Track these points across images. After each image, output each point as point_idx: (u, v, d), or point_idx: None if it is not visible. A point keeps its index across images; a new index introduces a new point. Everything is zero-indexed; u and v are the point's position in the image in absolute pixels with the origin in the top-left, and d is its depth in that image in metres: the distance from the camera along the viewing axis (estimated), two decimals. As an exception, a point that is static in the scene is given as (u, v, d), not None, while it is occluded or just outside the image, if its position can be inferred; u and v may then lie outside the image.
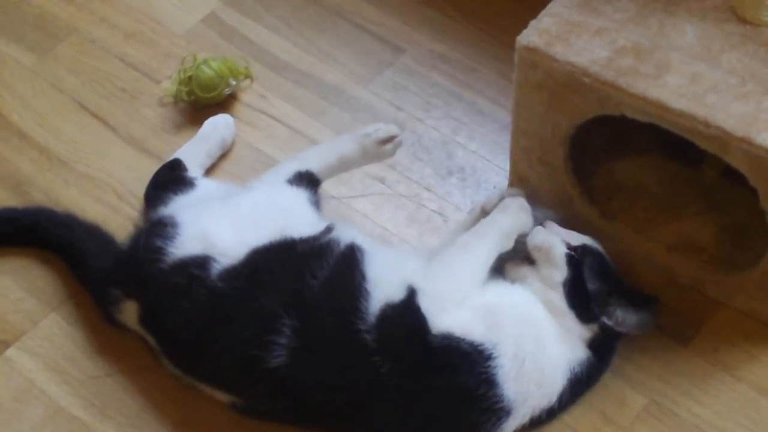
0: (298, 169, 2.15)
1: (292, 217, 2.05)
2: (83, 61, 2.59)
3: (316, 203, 2.13)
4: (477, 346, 1.87)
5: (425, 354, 1.86)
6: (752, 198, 1.96)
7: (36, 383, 2.10)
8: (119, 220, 2.27)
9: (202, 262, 1.96)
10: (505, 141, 2.30)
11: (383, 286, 1.91)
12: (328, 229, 2.02)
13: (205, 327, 1.94)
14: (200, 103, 2.46)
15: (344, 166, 2.23)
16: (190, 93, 2.45)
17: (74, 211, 2.28)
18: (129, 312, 2.03)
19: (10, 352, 2.14)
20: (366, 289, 1.90)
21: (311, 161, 2.18)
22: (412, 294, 1.90)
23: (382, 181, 2.36)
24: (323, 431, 1.99)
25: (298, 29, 2.64)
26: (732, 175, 2.01)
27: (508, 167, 2.30)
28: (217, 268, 1.95)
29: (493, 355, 1.87)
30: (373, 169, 2.37)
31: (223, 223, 2.03)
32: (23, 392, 2.09)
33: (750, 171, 1.90)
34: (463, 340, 1.87)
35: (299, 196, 2.11)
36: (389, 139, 2.20)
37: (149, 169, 2.34)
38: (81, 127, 2.48)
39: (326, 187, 2.31)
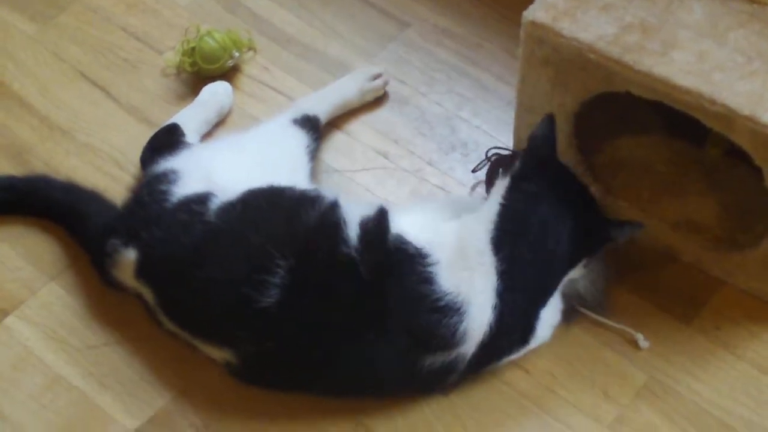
0: (307, 112, 2.27)
1: (288, 162, 2.15)
2: (85, 31, 2.58)
3: (312, 152, 2.23)
4: (419, 248, 1.90)
5: (385, 253, 1.90)
6: (756, 177, 1.95)
7: (34, 352, 2.09)
8: (120, 189, 2.25)
9: (203, 199, 1.99)
10: (509, 117, 2.29)
11: (361, 209, 1.96)
12: (315, 190, 2.04)
13: (199, 265, 1.93)
14: (203, 74, 2.45)
15: (344, 108, 2.40)
16: (193, 64, 2.44)
17: (75, 180, 2.27)
18: (126, 266, 2.02)
19: (9, 320, 2.13)
20: (348, 220, 1.93)
21: (320, 105, 2.33)
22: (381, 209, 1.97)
23: (384, 155, 2.35)
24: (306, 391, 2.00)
25: (302, 1, 2.63)
26: (736, 154, 2.00)
27: (511, 144, 2.28)
28: (215, 203, 1.97)
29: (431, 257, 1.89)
30: (376, 142, 2.37)
31: (225, 159, 2.11)
32: (22, 361, 2.08)
33: (755, 150, 1.89)
34: (410, 243, 1.90)
35: (300, 140, 2.21)
36: (377, 76, 2.42)
37: (151, 139, 2.32)
38: (82, 97, 2.46)
39: (328, 160, 2.32)
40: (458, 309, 1.88)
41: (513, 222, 1.94)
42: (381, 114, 2.42)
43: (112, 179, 2.31)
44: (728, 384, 2.03)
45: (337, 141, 2.38)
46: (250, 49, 2.52)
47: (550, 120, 2.00)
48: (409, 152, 2.36)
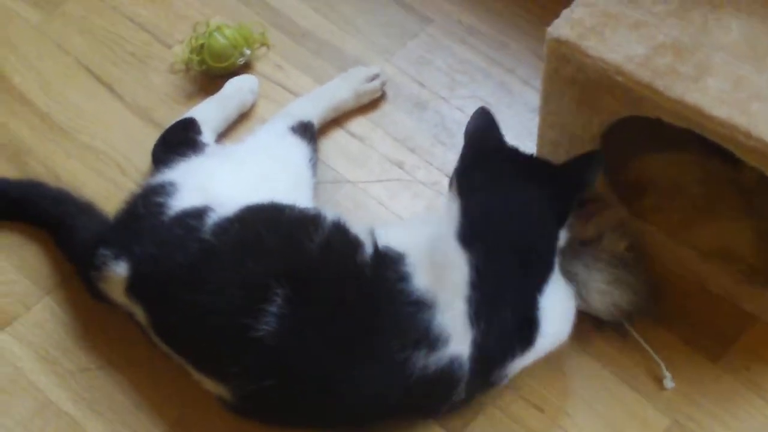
0: (302, 118, 2.17)
1: (291, 176, 2.06)
2: (91, 21, 2.46)
3: (314, 165, 2.13)
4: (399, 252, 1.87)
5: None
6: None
7: (26, 373, 2.01)
8: (122, 196, 2.09)
9: (200, 213, 1.90)
10: (533, 125, 2.16)
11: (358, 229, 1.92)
12: (316, 209, 1.95)
13: (192, 287, 1.83)
14: (212, 72, 2.33)
15: (339, 111, 2.29)
16: (201, 62, 2.32)
17: (74, 186, 2.19)
18: (116, 281, 1.91)
19: (1, 338, 2.03)
20: (360, 240, 1.89)
21: (314, 109, 2.23)
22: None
23: (400, 165, 2.23)
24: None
25: (319, -7, 2.48)
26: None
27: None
28: (213, 218, 1.88)
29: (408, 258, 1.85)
30: (392, 151, 2.26)
31: (224, 172, 2.02)
32: (12, 383, 2.00)
33: (794, 188, 1.75)
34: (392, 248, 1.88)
35: (302, 152, 2.12)
36: (374, 77, 2.31)
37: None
38: (86, 94, 2.35)
39: (339, 168, 2.22)
40: (429, 303, 1.81)
41: (475, 213, 1.88)
42: (398, 118, 2.30)
43: (115, 185, 2.21)
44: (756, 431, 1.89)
45: (349, 148, 2.27)
46: (262, 44, 2.40)
47: (484, 113, 1.99)
48: (426, 163, 2.24)
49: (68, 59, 2.41)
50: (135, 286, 1.90)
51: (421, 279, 1.84)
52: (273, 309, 1.78)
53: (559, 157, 2.03)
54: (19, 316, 2.06)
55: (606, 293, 1.96)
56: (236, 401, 1.85)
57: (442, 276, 1.83)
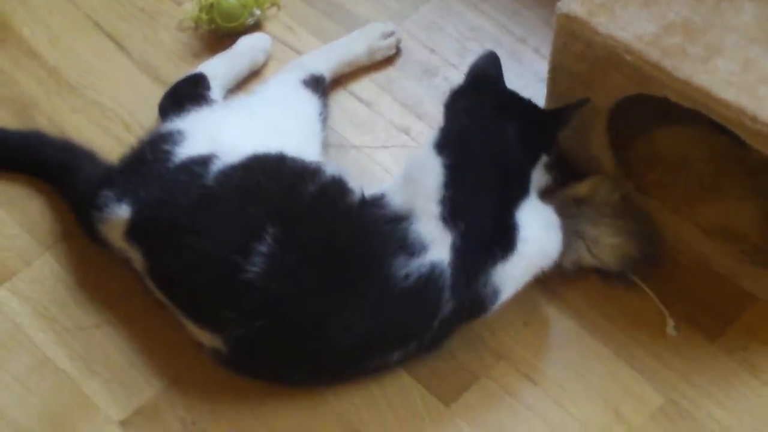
0: (313, 72, 2.17)
1: (301, 130, 2.06)
2: (102, -25, 2.44)
3: (325, 120, 2.13)
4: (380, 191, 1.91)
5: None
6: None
7: (24, 329, 2.01)
8: (125, 152, 2.09)
9: (205, 160, 1.90)
10: (542, 96, 2.13)
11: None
12: (318, 164, 1.96)
13: (191, 231, 1.84)
14: (221, 32, 2.32)
15: (352, 67, 2.28)
16: (210, 21, 2.31)
17: (79, 142, 2.17)
18: (116, 224, 1.92)
19: (0, 293, 2.03)
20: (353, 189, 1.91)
21: (327, 63, 2.23)
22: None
23: (406, 131, 2.22)
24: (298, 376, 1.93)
25: (332, -49, 2.46)
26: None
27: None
28: (217, 165, 1.89)
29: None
30: (399, 117, 2.25)
31: (234, 121, 2.02)
32: (10, 338, 2.00)
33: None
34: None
35: (313, 105, 2.12)
36: (390, 34, 2.29)
37: (162, 100, 2.20)
38: (94, 49, 2.35)
39: (345, 133, 2.21)
40: (405, 215, 1.85)
41: (454, 128, 1.94)
42: (406, 84, 2.29)
43: (118, 141, 2.20)
44: (751, 412, 1.90)
45: (355, 112, 2.26)
46: (272, 5, 2.38)
47: (492, 55, 2.03)
48: (433, 130, 2.20)
49: (78, 14, 2.40)
50: (135, 229, 1.90)
51: (397, 198, 1.88)
52: (263, 248, 1.79)
53: (567, 128, 2.02)
54: (18, 272, 2.06)
55: (617, 246, 1.98)
56: (229, 351, 1.85)
57: (417, 186, 1.87)
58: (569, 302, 2.01)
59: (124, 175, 1.96)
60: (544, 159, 1.96)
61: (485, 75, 2.02)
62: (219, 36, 2.32)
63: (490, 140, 1.91)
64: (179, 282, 1.88)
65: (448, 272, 1.82)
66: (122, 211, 1.90)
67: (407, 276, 1.80)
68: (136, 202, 1.90)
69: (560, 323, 1.99)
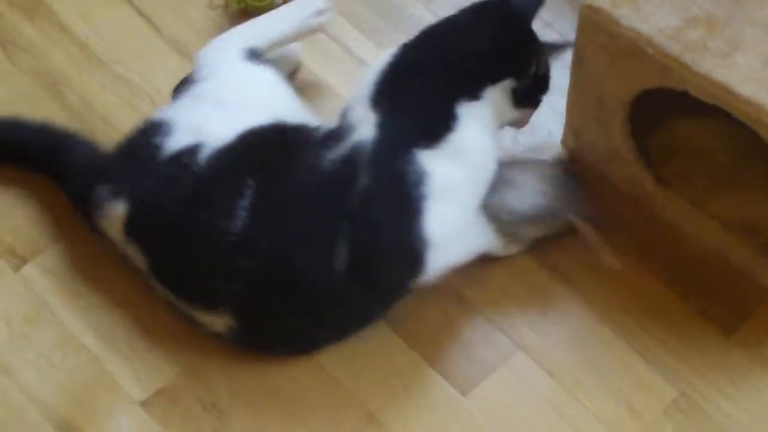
0: (248, 45, 2.10)
1: (275, 97, 2.05)
2: (134, -50, 2.46)
3: (285, 79, 2.12)
4: None
5: None
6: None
7: (49, 306, 2.03)
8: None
9: (193, 150, 1.91)
10: (566, 84, 2.13)
11: None
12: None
13: (186, 217, 1.87)
14: (250, 11, 2.33)
15: (284, 43, 2.20)
16: (240, 0, 2.31)
17: (107, 118, 2.22)
18: (115, 220, 1.94)
19: (27, 269, 2.07)
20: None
21: (257, 39, 2.14)
22: None
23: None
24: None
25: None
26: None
27: (565, 113, 2.14)
28: (206, 151, 1.90)
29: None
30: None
31: (208, 110, 1.99)
32: (36, 315, 2.02)
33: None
34: None
35: (272, 72, 2.08)
36: (322, 11, 2.20)
37: (189, 78, 2.21)
38: (124, 24, 2.36)
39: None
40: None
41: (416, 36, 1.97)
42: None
43: (145, 118, 2.20)
44: (763, 408, 1.91)
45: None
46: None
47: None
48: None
49: (108, -13, 2.41)
50: (133, 226, 1.93)
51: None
52: (245, 202, 1.83)
53: (588, 119, 2.03)
54: (46, 248, 2.09)
55: (561, 197, 2.02)
56: (239, 323, 1.88)
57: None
58: (588, 294, 2.01)
59: (119, 169, 1.97)
60: (510, 84, 1.95)
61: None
62: (249, 15, 2.33)
63: (450, 33, 1.95)
64: (180, 270, 1.91)
65: (368, 146, 1.84)
66: (119, 207, 1.93)
67: (333, 159, 1.85)
68: (131, 199, 1.92)
69: (578, 315, 2.00)
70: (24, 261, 2.08)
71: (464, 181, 1.90)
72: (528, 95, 2.00)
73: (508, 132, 2.14)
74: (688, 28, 1.83)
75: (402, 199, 1.85)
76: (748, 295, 2.01)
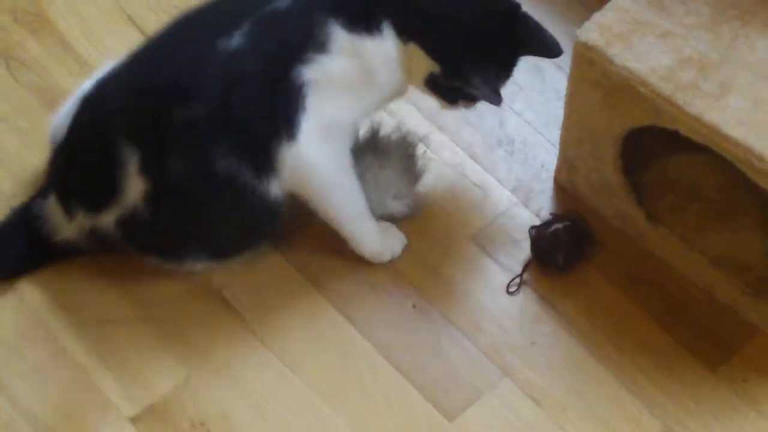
0: None
1: None
2: (138, -31, 2.49)
3: None
4: None
5: None
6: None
7: (42, 321, 2.06)
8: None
9: None
10: (560, 116, 2.16)
11: None
12: None
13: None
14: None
15: None
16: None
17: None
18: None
19: (22, 284, 2.09)
20: None
21: None
22: None
23: (426, 143, 2.24)
24: None
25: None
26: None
27: (557, 151, 2.18)
28: None
29: None
30: (419, 127, 2.27)
31: None
32: (30, 329, 2.05)
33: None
34: None
35: None
36: None
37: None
38: (126, 45, 2.36)
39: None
40: None
41: None
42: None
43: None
44: (745, 444, 1.93)
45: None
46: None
47: None
48: (452, 143, 2.25)
49: (112, 7, 2.44)
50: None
51: None
52: None
53: (582, 153, 2.05)
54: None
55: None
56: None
57: None
58: (576, 326, 2.04)
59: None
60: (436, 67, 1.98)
61: None
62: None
63: None
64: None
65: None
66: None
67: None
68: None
69: (566, 346, 2.02)
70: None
71: (356, 76, 1.93)
72: (445, 90, 2.02)
73: (503, 162, 2.17)
74: (680, 69, 1.86)
75: (300, 46, 1.90)
76: (735, 332, 2.03)
